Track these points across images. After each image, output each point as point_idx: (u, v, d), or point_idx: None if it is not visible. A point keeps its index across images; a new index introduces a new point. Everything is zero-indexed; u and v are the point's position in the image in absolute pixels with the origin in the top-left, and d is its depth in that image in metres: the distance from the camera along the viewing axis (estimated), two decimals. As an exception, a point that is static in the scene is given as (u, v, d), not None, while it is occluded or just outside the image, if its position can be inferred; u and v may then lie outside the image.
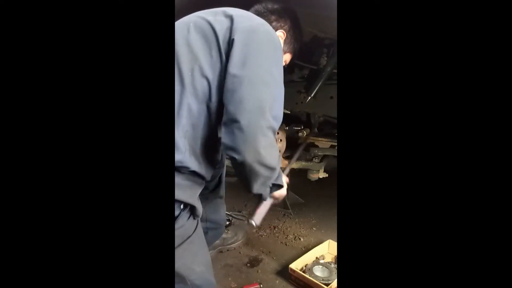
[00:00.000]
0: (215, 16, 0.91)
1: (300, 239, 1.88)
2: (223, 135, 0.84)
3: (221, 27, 0.87)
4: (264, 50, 0.86)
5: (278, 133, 1.90)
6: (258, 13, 1.10)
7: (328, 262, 1.58)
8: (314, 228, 2.00)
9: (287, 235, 1.91)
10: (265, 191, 0.99)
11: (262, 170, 0.88)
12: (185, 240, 0.91)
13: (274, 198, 1.14)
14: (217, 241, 1.61)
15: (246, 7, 1.05)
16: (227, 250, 1.75)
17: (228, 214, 1.99)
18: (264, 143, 0.83)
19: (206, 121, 0.88)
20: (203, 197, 1.30)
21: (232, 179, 1.49)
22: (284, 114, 2.01)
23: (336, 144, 1.90)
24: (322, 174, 1.99)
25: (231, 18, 0.88)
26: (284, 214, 2.16)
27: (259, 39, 0.86)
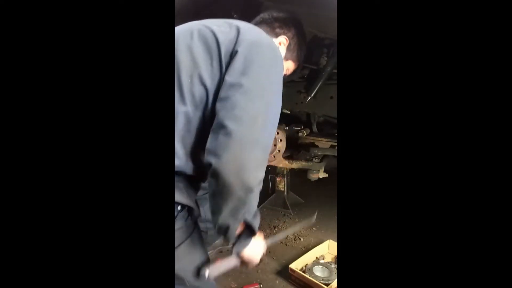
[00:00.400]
0: (220, 26, 0.89)
1: (300, 239, 1.88)
2: (208, 140, 0.79)
3: (225, 38, 0.86)
4: (265, 64, 0.84)
5: (278, 133, 1.91)
6: (264, 21, 1.11)
7: (328, 262, 1.58)
8: (314, 228, 2.00)
9: (287, 235, 1.91)
10: (233, 224, 0.85)
11: (237, 188, 0.78)
12: (183, 242, 0.91)
13: (242, 259, 0.95)
14: (217, 241, 1.61)
15: (247, 11, 1.05)
16: (227, 250, 1.75)
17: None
18: (249, 156, 0.77)
19: (202, 127, 0.86)
20: (202, 198, 1.30)
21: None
22: (284, 114, 2.03)
23: (336, 144, 1.90)
24: (322, 174, 1.99)
25: (237, 30, 0.87)
26: (284, 214, 2.16)
27: (261, 53, 0.85)
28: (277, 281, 1.50)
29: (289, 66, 1.17)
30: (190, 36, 0.88)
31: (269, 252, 1.74)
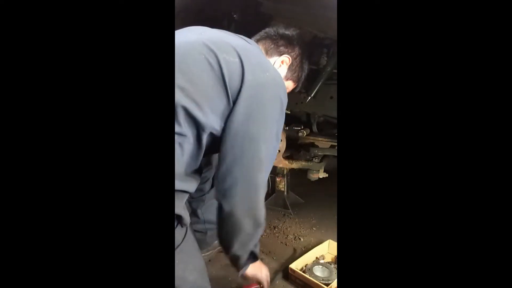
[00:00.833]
0: (226, 53, 0.86)
1: (300, 239, 1.88)
2: (217, 180, 0.87)
3: (229, 70, 0.84)
4: (269, 107, 0.87)
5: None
6: (269, 36, 1.10)
7: (328, 262, 1.58)
8: (314, 228, 2.00)
9: (287, 235, 1.91)
10: (243, 254, 0.98)
11: (248, 225, 0.89)
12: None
13: (246, 277, 1.08)
14: (216, 241, 1.60)
15: (246, 11, 1.04)
16: (227, 250, 1.75)
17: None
18: (257, 196, 0.86)
19: (194, 147, 0.86)
20: (199, 199, 1.31)
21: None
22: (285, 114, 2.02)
23: (336, 144, 1.90)
24: (322, 174, 1.99)
25: (241, 64, 0.85)
26: (284, 214, 2.16)
27: (266, 95, 0.86)
28: (277, 281, 1.50)
29: (288, 86, 1.16)
30: (193, 59, 0.84)
31: (269, 252, 1.74)
